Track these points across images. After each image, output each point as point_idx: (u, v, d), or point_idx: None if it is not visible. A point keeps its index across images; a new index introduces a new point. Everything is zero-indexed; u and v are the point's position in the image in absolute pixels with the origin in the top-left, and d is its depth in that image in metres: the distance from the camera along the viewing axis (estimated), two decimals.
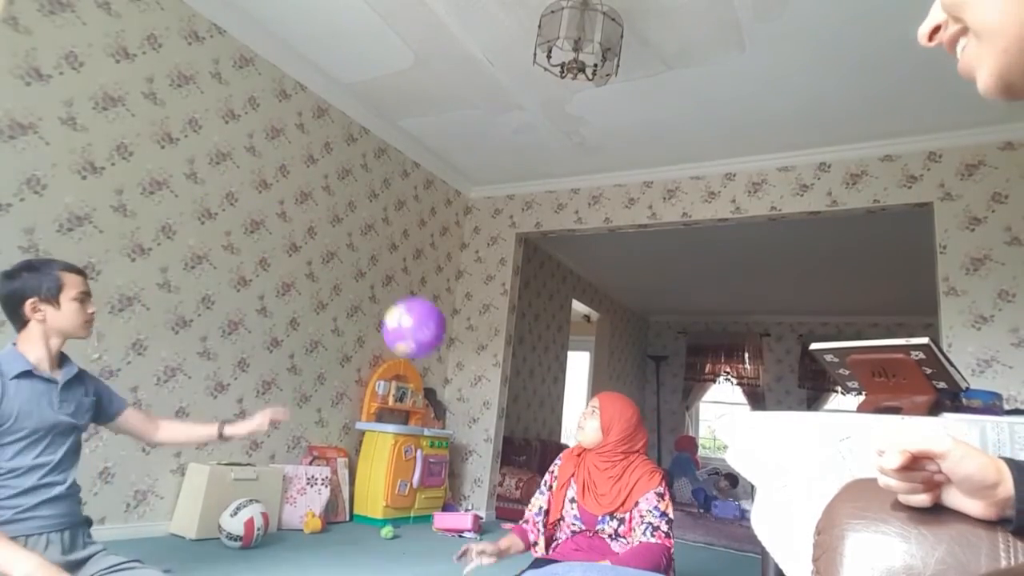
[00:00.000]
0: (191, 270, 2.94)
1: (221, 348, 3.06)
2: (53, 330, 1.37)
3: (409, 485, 3.78)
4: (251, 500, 2.87)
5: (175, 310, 2.86)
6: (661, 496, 1.81)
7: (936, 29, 0.49)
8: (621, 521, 1.80)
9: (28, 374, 1.32)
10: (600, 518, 1.81)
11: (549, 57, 2.63)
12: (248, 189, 3.24)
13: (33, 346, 1.35)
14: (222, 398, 3.06)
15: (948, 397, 1.54)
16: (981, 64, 0.45)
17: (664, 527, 1.78)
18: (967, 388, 1.58)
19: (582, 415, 1.98)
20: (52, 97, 2.42)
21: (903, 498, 0.60)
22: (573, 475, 1.93)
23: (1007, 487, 0.56)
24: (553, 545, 1.91)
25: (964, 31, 0.46)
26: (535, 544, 1.92)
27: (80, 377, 1.46)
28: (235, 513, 2.79)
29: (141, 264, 2.72)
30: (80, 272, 1.44)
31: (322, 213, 3.70)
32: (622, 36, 2.62)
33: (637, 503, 1.80)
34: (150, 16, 2.78)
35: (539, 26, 2.62)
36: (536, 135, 4.10)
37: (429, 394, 4.49)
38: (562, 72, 2.62)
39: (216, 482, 2.84)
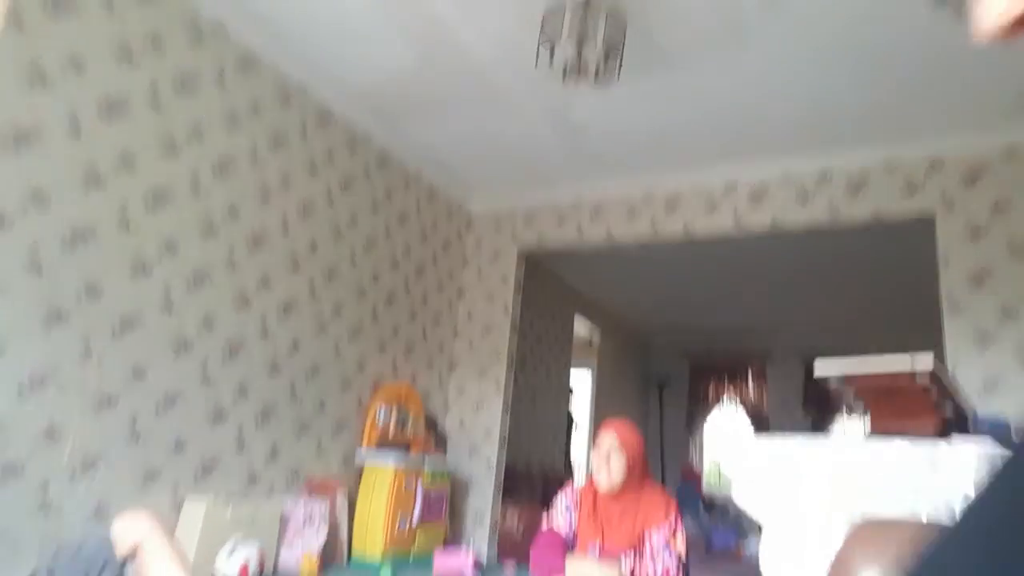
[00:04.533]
0: (193, 289, 2.90)
1: (221, 373, 3.02)
2: None
3: (409, 521, 3.75)
4: (247, 540, 2.84)
5: (176, 331, 2.81)
6: (674, 534, 1.84)
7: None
8: (637, 555, 1.85)
9: None
10: (621, 557, 1.86)
11: (552, 57, 2.67)
12: (250, 201, 3.22)
13: None
14: (221, 428, 3.01)
15: (956, 422, 1.59)
16: None
17: (673, 570, 1.81)
18: (975, 413, 1.64)
19: (601, 454, 1.93)
20: (56, 103, 2.39)
21: None
22: (593, 511, 1.96)
23: None
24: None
25: None
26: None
27: None
28: (231, 553, 2.76)
29: (143, 283, 2.68)
30: None
31: (324, 226, 3.69)
32: (624, 35, 2.68)
33: (652, 535, 1.84)
34: (152, 13, 2.76)
35: (541, 24, 2.68)
36: (537, 141, 4.13)
37: (430, 422, 4.47)
38: (564, 73, 2.68)
39: (212, 519, 2.79)
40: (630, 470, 1.91)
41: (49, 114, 2.36)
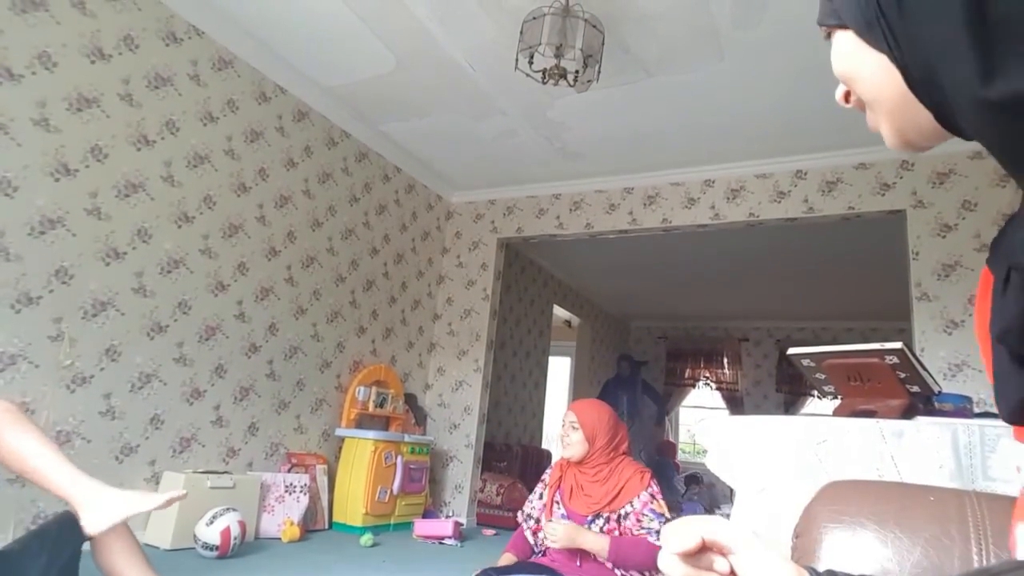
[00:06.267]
0: (167, 275, 2.88)
1: (198, 354, 3.00)
2: None
3: (389, 492, 3.74)
4: (228, 508, 2.81)
5: (151, 315, 2.80)
6: (653, 497, 1.84)
7: (848, 94, 0.55)
8: (607, 520, 1.82)
9: None
10: (588, 518, 1.83)
11: (531, 63, 2.64)
12: (226, 192, 3.19)
13: None
14: (198, 404, 3.00)
15: (921, 401, 1.56)
16: (880, 125, 0.51)
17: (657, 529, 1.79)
18: (939, 392, 1.61)
19: (563, 430, 1.98)
20: (24, 97, 2.36)
21: None
22: (561, 478, 1.96)
23: None
24: (540, 542, 1.93)
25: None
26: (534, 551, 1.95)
27: None
28: (211, 522, 2.73)
29: (116, 268, 2.66)
30: None
31: (302, 217, 3.66)
32: (603, 43, 2.64)
33: (631, 502, 1.82)
34: (126, 16, 2.73)
35: (521, 32, 2.63)
36: (518, 140, 4.10)
37: (410, 400, 4.46)
38: (544, 78, 2.63)
39: (192, 490, 2.76)
40: (590, 444, 1.92)
41: (16, 106, 2.33)
